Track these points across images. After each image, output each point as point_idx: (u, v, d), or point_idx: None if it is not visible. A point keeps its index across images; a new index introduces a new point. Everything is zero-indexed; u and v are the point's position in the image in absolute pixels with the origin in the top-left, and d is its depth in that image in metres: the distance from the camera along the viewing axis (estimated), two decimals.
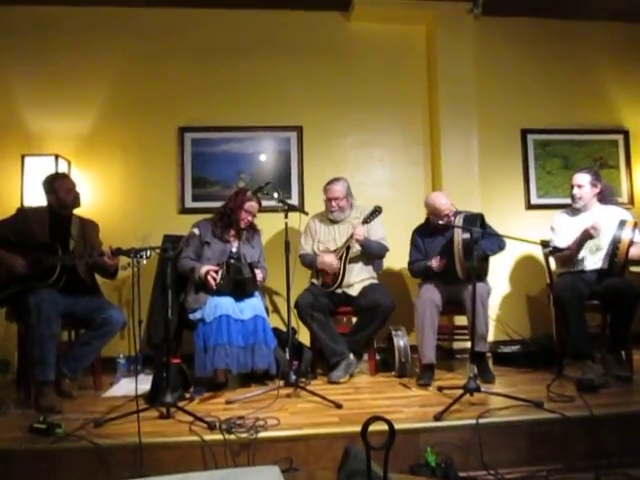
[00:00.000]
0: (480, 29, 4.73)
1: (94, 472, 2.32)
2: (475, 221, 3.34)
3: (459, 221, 3.40)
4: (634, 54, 4.98)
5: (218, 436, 2.43)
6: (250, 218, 3.67)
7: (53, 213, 3.42)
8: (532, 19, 4.89)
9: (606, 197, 3.80)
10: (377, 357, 3.86)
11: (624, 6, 4.64)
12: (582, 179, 3.71)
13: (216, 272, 3.40)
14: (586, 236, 3.48)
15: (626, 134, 4.93)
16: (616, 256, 3.44)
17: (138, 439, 2.33)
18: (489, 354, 3.84)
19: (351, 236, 3.64)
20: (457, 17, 4.62)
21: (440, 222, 3.44)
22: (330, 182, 3.86)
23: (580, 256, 3.60)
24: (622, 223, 3.47)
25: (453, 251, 3.42)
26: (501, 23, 4.86)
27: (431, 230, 3.74)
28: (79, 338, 3.42)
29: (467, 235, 3.24)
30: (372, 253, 3.80)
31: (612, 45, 5.00)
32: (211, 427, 2.50)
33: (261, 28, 4.64)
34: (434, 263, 3.56)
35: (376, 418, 1.12)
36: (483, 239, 3.40)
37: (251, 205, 3.65)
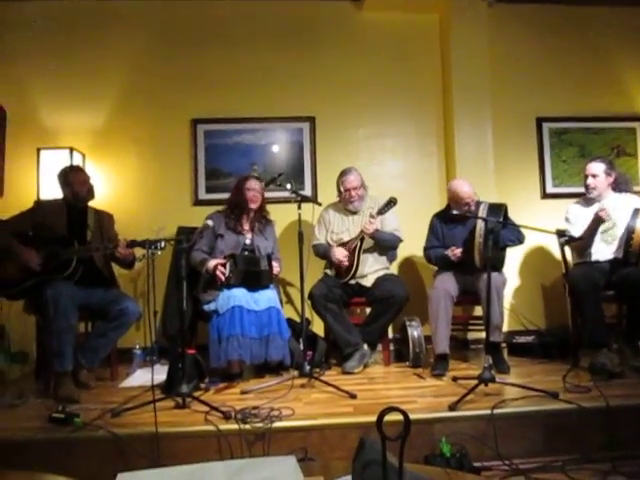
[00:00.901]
0: (494, 17, 4.66)
1: (111, 461, 2.35)
2: (500, 211, 3.32)
3: (483, 209, 3.37)
4: None
5: (233, 426, 2.45)
6: (257, 196, 3.65)
7: (69, 205, 3.46)
8: (546, 6, 4.81)
9: (620, 185, 3.74)
10: (391, 347, 3.86)
11: None
12: (596, 168, 3.65)
13: (224, 265, 3.41)
14: (598, 221, 3.44)
15: None
16: (630, 246, 3.40)
17: (154, 429, 2.36)
18: (504, 344, 3.82)
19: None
20: (471, 5, 4.56)
21: (455, 212, 3.41)
22: (344, 173, 3.85)
23: (595, 246, 3.56)
24: (636, 211, 3.43)
25: (473, 240, 3.40)
26: (515, 10, 4.79)
27: (451, 217, 3.64)
28: (95, 329, 3.46)
29: (491, 224, 3.18)
30: (385, 245, 3.79)
31: (628, 31, 4.90)
32: (226, 417, 2.52)
33: (273, 19, 4.63)
34: (451, 253, 3.52)
35: (391, 409, 1.12)
36: (505, 229, 3.38)
37: (250, 183, 3.66)
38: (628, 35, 4.90)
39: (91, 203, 3.58)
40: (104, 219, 3.60)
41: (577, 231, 3.58)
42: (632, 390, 2.89)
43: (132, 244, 3.17)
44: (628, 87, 4.91)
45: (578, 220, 3.69)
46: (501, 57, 4.71)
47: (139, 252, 3.10)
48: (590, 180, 3.66)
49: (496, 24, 4.69)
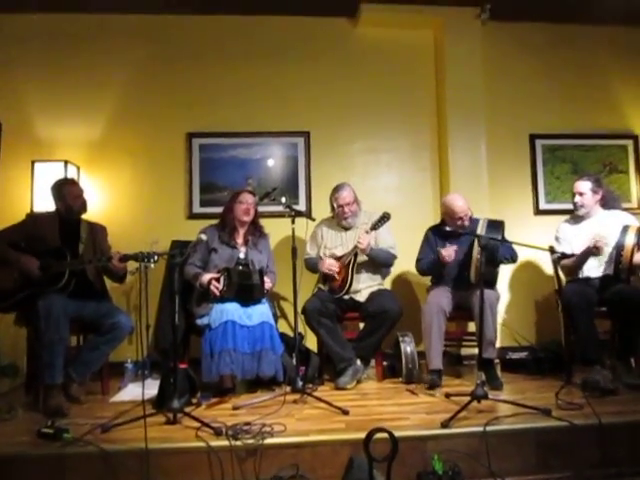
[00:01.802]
0: (488, 34, 4.72)
1: (101, 477, 2.33)
2: (499, 227, 3.35)
3: (483, 225, 3.40)
4: None
5: (224, 442, 2.42)
6: (250, 209, 3.65)
7: (62, 218, 3.45)
8: (540, 24, 4.87)
9: (609, 202, 3.78)
10: (384, 363, 3.84)
11: (634, 11, 4.61)
12: (583, 187, 3.71)
13: (217, 280, 3.41)
14: (588, 253, 3.49)
15: (635, 139, 4.90)
16: (620, 262, 3.42)
17: (145, 445, 2.33)
18: (497, 360, 3.82)
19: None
20: (465, 22, 4.62)
21: (448, 228, 3.42)
22: (337, 190, 3.86)
23: (586, 264, 3.59)
24: (625, 228, 3.47)
25: (471, 255, 3.40)
26: (509, 28, 4.85)
27: (446, 233, 3.58)
28: (87, 343, 3.44)
29: (484, 240, 3.17)
30: (379, 262, 3.79)
31: (621, 50, 4.98)
32: (217, 433, 2.50)
33: (269, 34, 4.66)
34: (446, 254, 3.50)
35: (379, 430, 1.12)
36: (502, 247, 3.40)
37: (243, 196, 3.66)
38: (621, 53, 4.97)
39: (85, 215, 3.57)
40: (97, 232, 3.59)
41: (566, 249, 3.60)
42: (625, 407, 2.89)
43: (125, 258, 3.15)
44: (620, 105, 4.96)
45: (566, 239, 3.75)
46: (495, 74, 4.76)
47: (132, 266, 3.10)
48: (577, 198, 3.71)
49: (490, 41, 4.74)
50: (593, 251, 3.45)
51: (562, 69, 4.90)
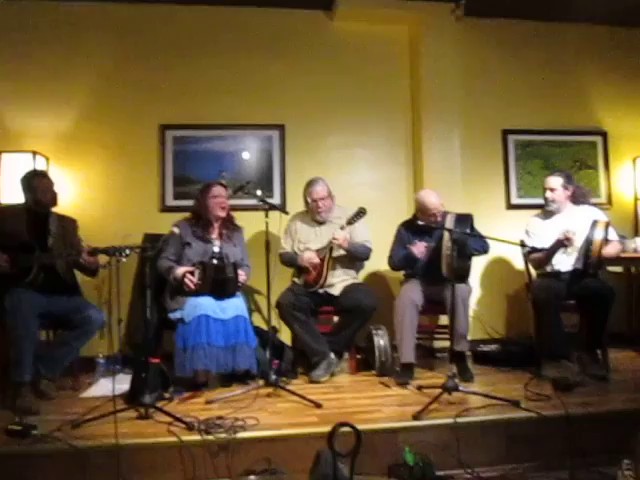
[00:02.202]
0: (463, 30, 4.75)
1: (70, 474, 2.30)
2: (467, 221, 3.39)
3: (451, 220, 3.42)
4: (614, 58, 5.05)
5: (196, 437, 2.42)
6: (224, 202, 3.61)
7: (31, 211, 3.38)
8: (514, 21, 4.92)
9: (578, 198, 3.85)
10: (358, 356, 3.87)
11: (605, 10, 4.69)
12: (554, 182, 3.77)
13: (192, 273, 3.38)
14: (559, 245, 3.54)
15: (604, 136, 4.99)
16: (589, 257, 3.49)
17: (115, 440, 2.31)
18: (469, 353, 3.87)
19: (333, 238, 3.64)
20: (440, 18, 4.63)
21: (420, 222, 3.44)
22: (310, 184, 3.85)
23: (555, 257, 3.65)
24: (594, 223, 3.54)
25: (441, 250, 3.44)
26: (483, 25, 4.89)
27: (418, 227, 3.59)
28: (57, 338, 3.39)
29: (457, 235, 3.22)
30: (356, 256, 3.80)
31: (593, 48, 5.06)
32: (189, 427, 2.49)
33: (244, 26, 4.61)
34: (414, 249, 3.53)
35: (343, 424, 1.13)
36: (471, 239, 3.45)
37: (217, 189, 3.62)
38: (593, 52, 5.06)
39: (55, 208, 3.50)
40: (67, 225, 3.52)
41: (536, 243, 3.66)
42: (591, 398, 2.96)
43: (95, 251, 3.07)
44: (591, 102, 5.06)
45: (537, 233, 3.81)
46: (469, 70, 4.80)
47: (104, 259, 3.04)
48: (548, 193, 3.77)
49: (465, 37, 4.77)
50: (565, 243, 3.49)
51: (535, 66, 4.96)
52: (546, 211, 3.85)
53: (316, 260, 3.70)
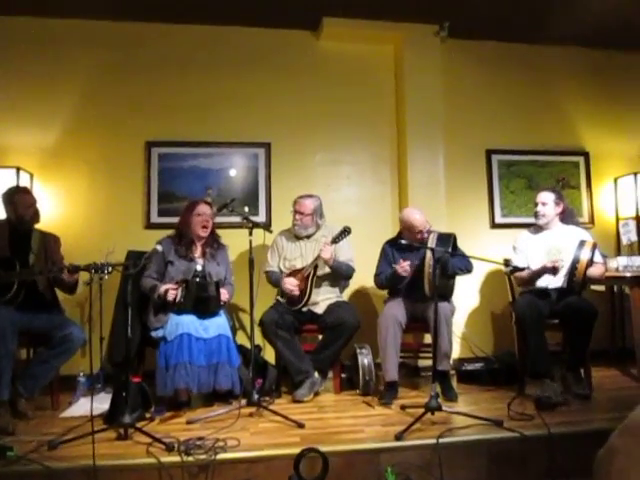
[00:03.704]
0: (447, 51, 4.81)
1: None
2: (449, 240, 3.40)
3: (433, 239, 3.44)
4: (595, 79, 5.15)
5: (176, 458, 2.39)
6: (208, 221, 3.59)
7: (13, 227, 3.35)
8: (498, 43, 5.00)
9: (567, 218, 3.89)
10: (342, 375, 3.85)
11: (586, 32, 4.78)
12: (546, 197, 3.81)
13: (175, 290, 3.36)
14: (545, 271, 3.58)
15: (587, 156, 5.06)
16: (574, 275, 3.52)
17: (92, 461, 2.27)
18: (453, 372, 3.87)
19: (318, 256, 3.64)
20: (424, 39, 4.70)
21: (403, 241, 3.45)
22: (302, 196, 3.89)
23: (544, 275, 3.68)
24: (582, 243, 3.56)
25: (423, 268, 3.45)
26: (467, 46, 4.96)
27: (403, 246, 3.55)
28: (36, 356, 3.33)
29: (440, 254, 3.24)
30: (340, 274, 3.81)
31: (575, 70, 5.15)
32: (169, 448, 2.46)
33: (232, 45, 4.65)
34: (401, 269, 3.52)
35: (310, 450, 1.12)
36: (454, 259, 3.46)
37: (201, 207, 3.60)
38: (574, 74, 5.15)
39: (39, 224, 3.48)
40: (49, 242, 3.49)
41: (520, 261, 3.69)
42: (574, 417, 2.98)
43: (75, 269, 3.02)
44: (573, 123, 5.13)
45: (524, 249, 3.83)
46: (453, 90, 4.86)
47: (86, 276, 3.01)
48: (540, 207, 3.80)
49: (449, 58, 4.84)
50: (549, 270, 3.54)
51: (518, 87, 5.04)
52: (536, 227, 3.88)
53: (296, 292, 3.69)
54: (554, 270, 3.52)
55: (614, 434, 1.81)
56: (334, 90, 4.76)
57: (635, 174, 4.80)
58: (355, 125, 4.78)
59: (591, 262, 3.52)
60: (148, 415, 3.08)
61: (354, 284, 4.27)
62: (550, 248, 3.71)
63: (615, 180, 5.05)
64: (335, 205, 4.52)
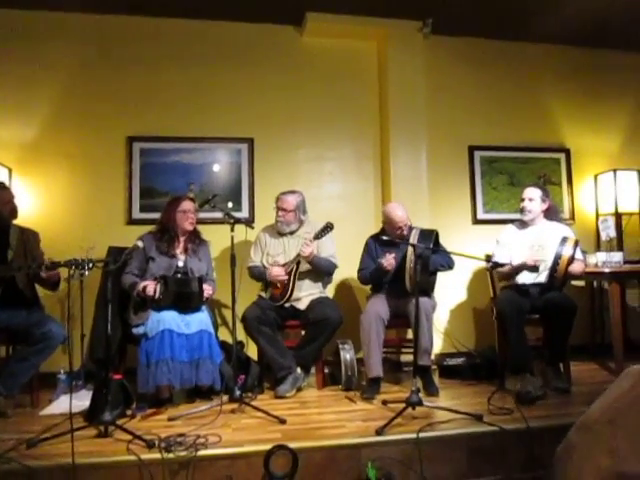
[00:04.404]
0: (430, 48, 4.83)
1: None
2: (430, 237, 3.41)
3: (415, 235, 3.44)
4: (577, 78, 5.20)
5: (156, 455, 2.38)
6: (192, 217, 3.60)
7: None
8: (480, 40, 5.03)
9: (551, 214, 3.93)
10: (325, 371, 3.86)
11: (568, 31, 4.85)
12: (533, 193, 3.83)
13: (153, 286, 3.34)
14: (525, 268, 3.62)
15: (567, 153, 5.12)
16: (556, 271, 3.56)
17: (71, 460, 2.25)
18: (435, 367, 3.90)
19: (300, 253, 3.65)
20: (407, 35, 4.71)
21: (385, 238, 3.46)
22: (285, 192, 3.88)
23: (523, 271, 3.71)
24: (564, 240, 3.60)
25: (405, 264, 3.46)
26: (450, 43, 4.99)
27: (386, 241, 3.58)
28: (16, 353, 3.29)
29: (421, 250, 3.25)
30: (321, 270, 3.81)
31: (556, 68, 5.20)
32: (149, 446, 2.44)
33: (214, 39, 4.62)
34: (386, 263, 3.53)
35: (280, 447, 1.13)
36: (435, 255, 3.48)
37: (185, 204, 3.60)
38: (556, 71, 5.19)
39: (17, 220, 3.43)
40: (28, 238, 3.44)
41: (502, 255, 3.73)
42: (553, 411, 3.02)
43: (55, 265, 2.96)
44: (555, 120, 5.18)
45: (506, 243, 3.86)
46: (436, 86, 4.88)
47: (67, 272, 2.97)
48: (526, 203, 3.82)
49: (432, 55, 4.86)
50: (529, 268, 3.57)
51: (500, 84, 5.08)
52: (521, 222, 3.91)
53: (283, 277, 3.70)
54: (534, 268, 3.56)
55: (572, 430, 1.85)
56: (317, 86, 4.76)
57: (614, 171, 4.86)
58: (338, 121, 4.78)
59: (573, 259, 3.56)
60: (129, 412, 3.06)
61: (337, 280, 4.28)
62: (533, 244, 3.74)
63: (595, 177, 5.11)
64: (318, 200, 4.53)
